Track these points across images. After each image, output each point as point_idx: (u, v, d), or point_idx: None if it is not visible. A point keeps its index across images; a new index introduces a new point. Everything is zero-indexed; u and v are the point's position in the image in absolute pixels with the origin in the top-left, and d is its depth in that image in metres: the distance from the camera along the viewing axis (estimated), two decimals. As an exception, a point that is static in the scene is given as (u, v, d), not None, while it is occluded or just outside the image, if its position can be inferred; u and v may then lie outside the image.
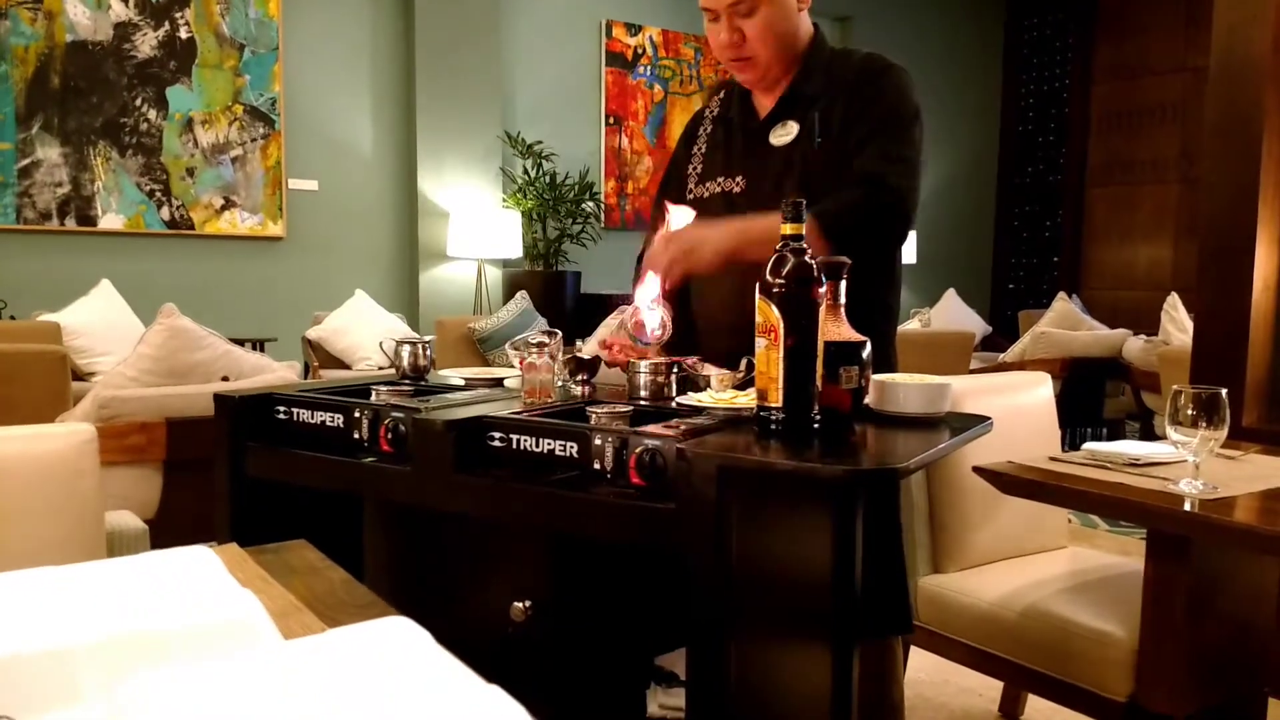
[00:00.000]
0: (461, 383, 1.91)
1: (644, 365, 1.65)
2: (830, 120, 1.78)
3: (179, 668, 0.67)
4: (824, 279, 1.34)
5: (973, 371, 4.93)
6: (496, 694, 0.63)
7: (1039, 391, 2.32)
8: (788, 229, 1.32)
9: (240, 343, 3.06)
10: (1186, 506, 1.48)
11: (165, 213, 5.71)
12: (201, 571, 0.91)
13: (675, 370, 1.66)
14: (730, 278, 1.73)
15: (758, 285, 1.33)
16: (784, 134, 1.83)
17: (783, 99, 1.85)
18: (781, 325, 1.30)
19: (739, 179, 1.86)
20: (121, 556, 1.18)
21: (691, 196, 1.95)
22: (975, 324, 6.98)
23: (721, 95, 2.01)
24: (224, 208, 5.89)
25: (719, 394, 1.55)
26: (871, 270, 1.71)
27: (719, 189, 1.89)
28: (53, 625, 0.76)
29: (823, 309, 1.33)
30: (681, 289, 1.97)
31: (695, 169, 1.97)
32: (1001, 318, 8.45)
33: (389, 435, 1.56)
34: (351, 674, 0.67)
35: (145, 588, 0.86)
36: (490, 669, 0.69)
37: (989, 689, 2.51)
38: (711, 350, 1.85)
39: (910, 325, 5.67)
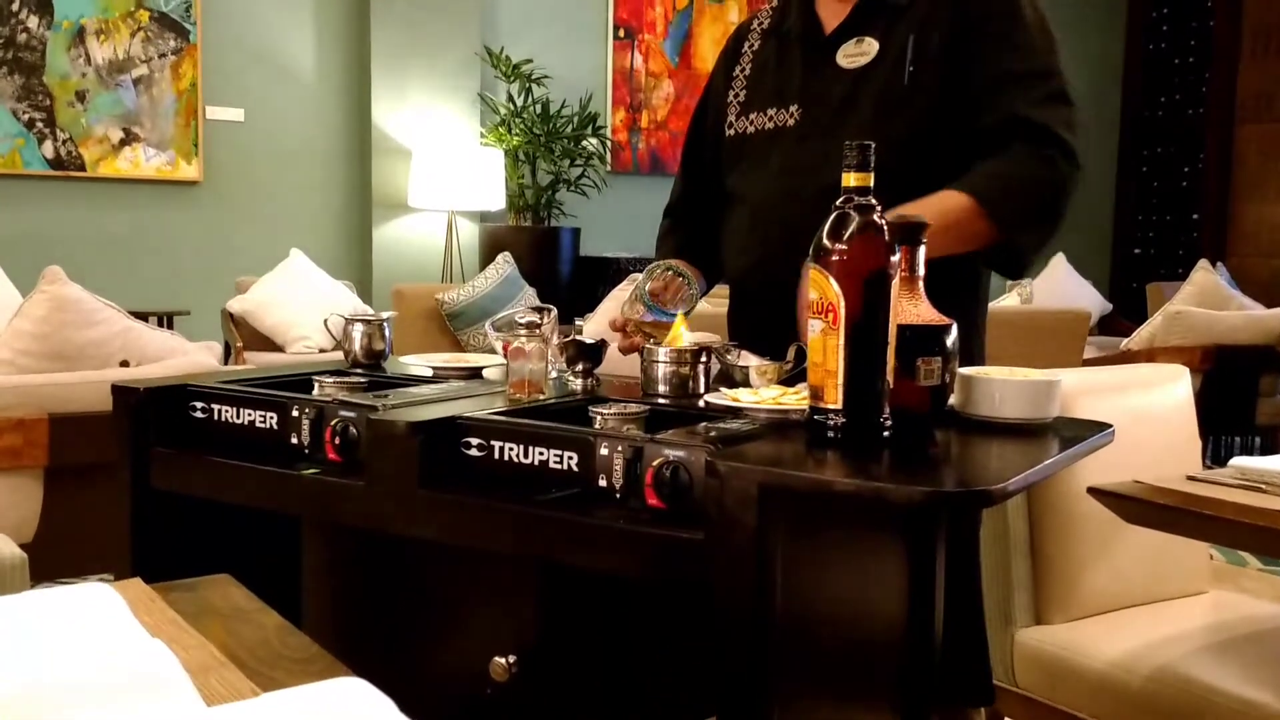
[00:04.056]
0: (429, 373, 1.92)
1: (664, 353, 1.65)
2: (927, 43, 1.76)
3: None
4: (897, 245, 1.34)
5: (1087, 363, 4.92)
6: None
7: (1173, 390, 2.31)
8: (853, 179, 1.32)
9: (144, 317, 3.08)
10: (1365, 542, 1.48)
11: (48, 148, 5.74)
12: (99, 616, 0.92)
13: (704, 359, 1.66)
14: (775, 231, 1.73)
15: (811, 251, 1.33)
16: (857, 54, 1.82)
17: (858, 7, 1.83)
18: (842, 303, 1.29)
19: (793, 109, 1.86)
20: (-5, 593, 1.19)
21: (732, 132, 1.95)
22: (1091, 300, 6.96)
23: (776, 3, 2.00)
24: (124, 142, 5.91)
25: (761, 391, 1.55)
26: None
27: (768, 122, 1.88)
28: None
29: (895, 283, 1.33)
30: (711, 244, 1.98)
31: (737, 97, 1.96)
32: (1125, 292, 8.42)
33: (336, 440, 1.57)
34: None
35: (30, 635, 0.87)
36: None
37: (1103, 772, 2.52)
38: (750, 330, 1.85)
39: (1006, 301, 5.65)
